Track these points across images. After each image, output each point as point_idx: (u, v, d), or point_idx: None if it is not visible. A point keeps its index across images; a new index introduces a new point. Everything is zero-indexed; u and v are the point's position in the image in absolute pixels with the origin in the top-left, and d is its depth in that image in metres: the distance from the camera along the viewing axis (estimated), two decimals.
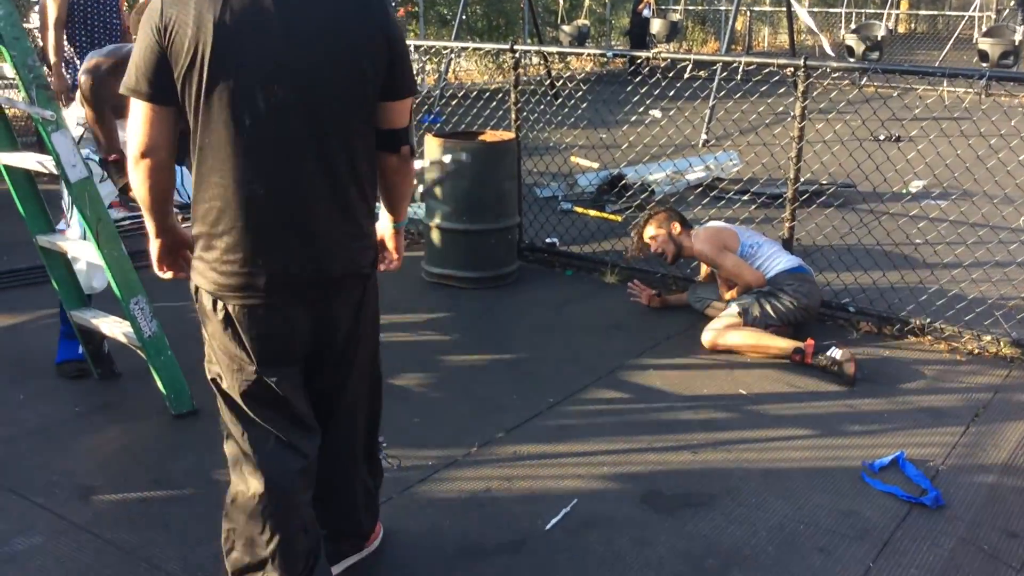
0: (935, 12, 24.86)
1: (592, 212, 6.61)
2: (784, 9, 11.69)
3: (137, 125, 1.99)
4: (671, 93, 5.95)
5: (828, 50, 11.73)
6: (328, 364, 2.22)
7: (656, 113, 9.43)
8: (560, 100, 10.49)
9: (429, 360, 4.13)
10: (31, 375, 3.90)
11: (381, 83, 2.05)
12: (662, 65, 5.27)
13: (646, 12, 15.39)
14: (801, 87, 4.60)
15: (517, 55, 5.60)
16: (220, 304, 2.05)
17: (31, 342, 4.27)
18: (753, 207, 5.92)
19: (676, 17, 11.80)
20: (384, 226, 2.37)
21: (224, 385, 2.14)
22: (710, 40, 21.14)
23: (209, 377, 2.17)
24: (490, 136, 5.37)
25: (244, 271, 2.01)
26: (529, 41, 15.65)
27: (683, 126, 8.39)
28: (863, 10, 20.53)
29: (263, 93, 1.92)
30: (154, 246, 2.24)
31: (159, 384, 3.51)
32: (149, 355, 3.46)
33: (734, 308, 4.32)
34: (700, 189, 6.30)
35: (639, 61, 4.96)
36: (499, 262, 5.23)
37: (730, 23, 10.59)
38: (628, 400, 3.81)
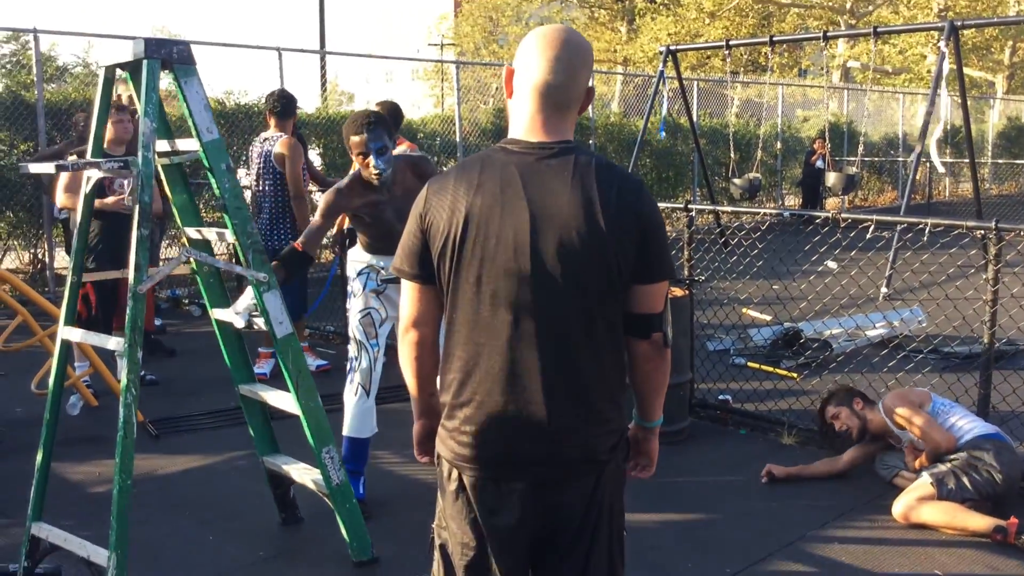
0: None
1: (767, 368, 6.45)
2: (967, 160, 11.35)
3: (404, 301, 2.16)
4: (845, 242, 5.83)
5: (939, 167, 11.18)
6: (556, 556, 2.11)
7: (832, 264, 9.24)
8: (729, 248, 10.46)
9: None
10: (220, 517, 4.09)
11: (631, 267, 2.01)
12: (843, 225, 5.20)
13: (819, 163, 15.30)
14: (993, 250, 4.42)
15: (692, 213, 5.66)
16: (455, 474, 2.09)
17: (221, 484, 4.50)
18: (944, 369, 5.63)
19: (853, 170, 11.64)
20: (634, 426, 2.26)
21: (450, 554, 2.13)
22: (887, 189, 20.70)
23: (438, 543, 2.16)
24: None
25: (477, 444, 2.04)
26: (699, 192, 15.82)
27: (859, 277, 8.19)
28: None
29: (504, 276, 1.98)
30: (416, 427, 2.30)
31: (343, 531, 3.61)
32: (336, 503, 3.58)
33: (927, 478, 4.06)
34: (886, 351, 6.05)
35: (817, 221, 4.91)
36: (670, 418, 5.13)
37: (911, 175, 10.37)
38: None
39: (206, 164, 3.33)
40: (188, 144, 3.44)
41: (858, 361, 6.07)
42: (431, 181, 2.12)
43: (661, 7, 29.14)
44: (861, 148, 11.88)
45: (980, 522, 3.87)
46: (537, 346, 1.99)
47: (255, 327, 3.61)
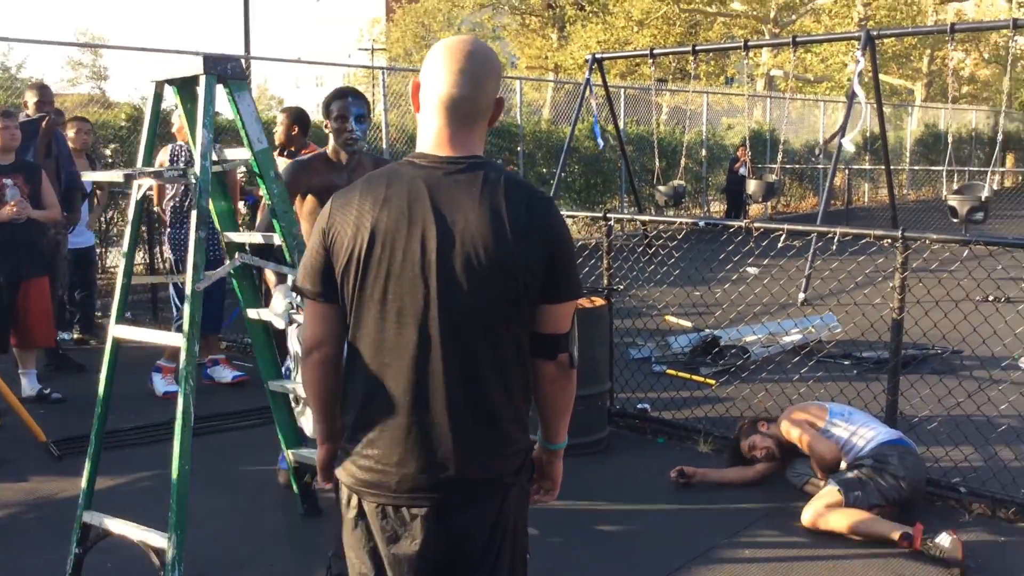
0: None
1: (684, 375, 6.50)
2: (883, 167, 11.64)
3: (306, 321, 2.09)
4: (758, 250, 5.91)
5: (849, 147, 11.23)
6: None
7: (752, 270, 9.37)
8: (650, 256, 10.55)
9: None
10: (121, 544, 3.93)
11: (539, 285, 1.98)
12: (755, 234, 5.27)
13: (742, 170, 15.56)
14: (900, 258, 4.51)
15: (611, 222, 5.68)
16: (355, 500, 2.03)
17: (125, 508, 4.31)
18: (855, 376, 5.74)
19: (772, 178, 11.87)
20: (538, 448, 2.20)
21: None
22: (808, 196, 21.14)
23: (335, 572, 2.12)
24: (582, 301, 5.38)
25: (379, 468, 1.98)
26: (626, 198, 15.96)
27: (777, 284, 8.31)
28: (966, 168, 20.38)
29: (410, 293, 1.93)
30: (321, 452, 2.22)
31: None
32: None
33: (834, 485, 4.12)
34: (798, 357, 6.15)
35: (731, 229, 4.97)
36: (588, 429, 5.14)
37: (828, 181, 10.60)
38: None
39: (256, 171, 3.51)
40: (237, 153, 3.65)
41: (772, 368, 6.15)
42: (335, 195, 2.05)
43: (591, 15, 29.39)
44: (780, 155, 12.12)
45: (887, 529, 3.93)
46: (443, 366, 1.94)
47: (296, 324, 3.75)
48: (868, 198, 22.73)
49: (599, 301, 5.37)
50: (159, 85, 3.51)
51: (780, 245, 5.26)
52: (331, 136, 4.13)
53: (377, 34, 46.95)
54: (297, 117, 6.17)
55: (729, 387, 6.03)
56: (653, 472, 4.81)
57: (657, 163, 12.48)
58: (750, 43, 11.00)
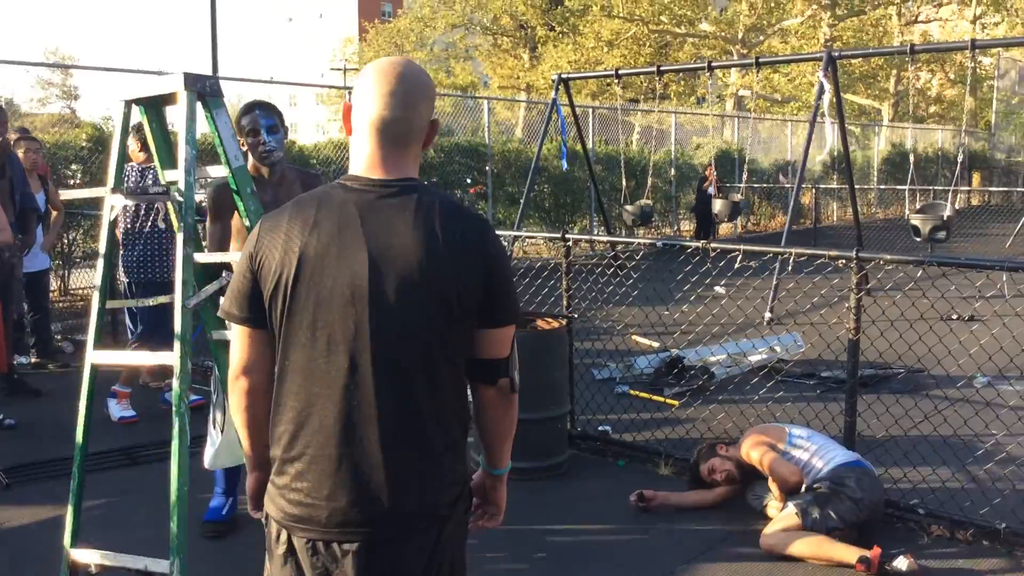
0: (1006, 188, 24.71)
1: (645, 395, 6.47)
2: (847, 186, 11.71)
3: (234, 347, 2.03)
4: (717, 269, 5.91)
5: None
6: None
7: (720, 289, 9.39)
8: (617, 276, 10.56)
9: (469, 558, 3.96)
10: None
11: (475, 310, 1.93)
12: (712, 255, 5.28)
13: (711, 190, 15.64)
14: (855, 278, 4.51)
15: (569, 243, 5.66)
16: (284, 536, 1.95)
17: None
18: (816, 393, 5.73)
19: (738, 197, 11.96)
20: (481, 473, 2.17)
21: None
22: (778, 214, 21.28)
23: None
24: (541, 323, 5.35)
25: (309, 501, 1.91)
26: (596, 218, 15.98)
27: (746, 304, 8.33)
28: (931, 187, 20.62)
29: (341, 320, 1.87)
30: (250, 481, 2.16)
31: None
32: None
33: (792, 508, 4.10)
34: (756, 378, 6.14)
35: (689, 250, 4.96)
36: (548, 452, 5.09)
37: (793, 200, 10.66)
38: None
39: (234, 188, 3.47)
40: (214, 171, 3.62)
41: (732, 388, 6.14)
42: (264, 218, 2.00)
43: (561, 35, 29.59)
44: (745, 175, 12.18)
45: (845, 552, 3.91)
46: (375, 394, 1.88)
47: None
48: (836, 217, 22.93)
49: (558, 322, 5.33)
50: (127, 104, 3.51)
51: (737, 265, 5.25)
52: (249, 153, 4.09)
53: (350, 54, 47.02)
54: None
55: (690, 408, 6.01)
56: (613, 495, 4.77)
57: (624, 183, 12.51)
58: (714, 64, 11.05)
